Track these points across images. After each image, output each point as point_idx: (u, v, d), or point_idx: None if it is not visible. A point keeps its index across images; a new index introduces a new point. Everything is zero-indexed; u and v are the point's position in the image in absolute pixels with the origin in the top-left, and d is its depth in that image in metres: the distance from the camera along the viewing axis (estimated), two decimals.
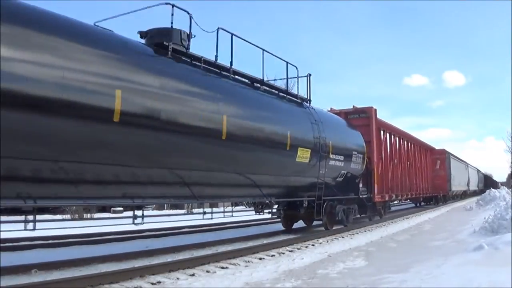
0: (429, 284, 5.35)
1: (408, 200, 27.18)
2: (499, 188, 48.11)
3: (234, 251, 8.53)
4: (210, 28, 8.06)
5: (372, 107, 16.05)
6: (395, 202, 24.71)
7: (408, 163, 22.04)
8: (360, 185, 14.65)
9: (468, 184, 45.88)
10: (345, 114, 15.64)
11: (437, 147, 36.63)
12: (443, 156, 32.71)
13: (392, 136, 19.06)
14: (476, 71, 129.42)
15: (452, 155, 35.64)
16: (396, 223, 16.45)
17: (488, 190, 29.25)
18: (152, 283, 6.10)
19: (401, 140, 21.04)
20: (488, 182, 74.75)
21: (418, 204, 30.48)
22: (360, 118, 15.91)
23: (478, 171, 63.33)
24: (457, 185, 36.96)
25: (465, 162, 45.98)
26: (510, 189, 33.12)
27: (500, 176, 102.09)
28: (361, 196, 14.34)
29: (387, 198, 16.96)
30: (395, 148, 19.68)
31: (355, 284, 5.80)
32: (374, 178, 15.19)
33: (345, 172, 13.04)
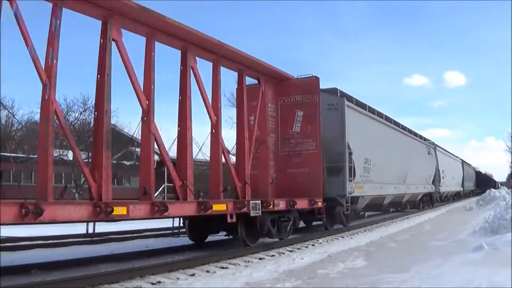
0: (429, 284, 5.35)
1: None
2: (499, 188, 43.84)
3: (234, 251, 8.53)
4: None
5: None
6: None
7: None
8: None
9: (436, 182, 27.03)
10: None
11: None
12: (314, 101, 11.33)
13: None
14: (476, 72, 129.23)
15: (352, 104, 14.09)
16: (396, 223, 16.47)
17: (488, 190, 28.69)
18: (152, 283, 6.10)
19: None
20: (482, 181, 62.96)
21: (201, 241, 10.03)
22: None
23: (464, 163, 45.32)
24: (385, 182, 16.52)
25: (430, 144, 27.46)
26: (510, 189, 32.81)
27: (500, 176, 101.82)
28: None
29: None
30: None
31: (355, 284, 5.79)
32: None
33: None
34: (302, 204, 10.56)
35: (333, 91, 13.32)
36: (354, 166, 13.13)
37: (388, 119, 18.55)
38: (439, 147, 30.60)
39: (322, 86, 11.87)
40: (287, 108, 11.56)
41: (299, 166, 11.30)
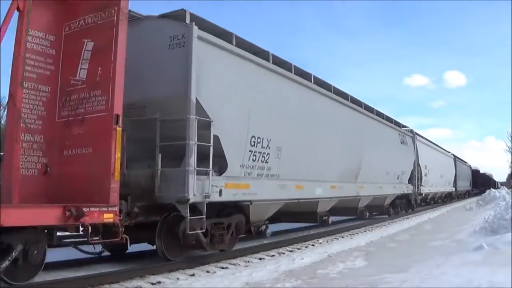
0: (429, 284, 5.36)
1: None
2: (498, 188, 43.11)
3: (234, 251, 8.52)
4: None
5: None
6: None
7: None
8: None
9: (415, 180, 20.32)
10: None
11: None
12: (110, 21, 6.11)
13: None
14: (477, 71, 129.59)
15: (222, 41, 7.40)
16: (396, 223, 16.46)
17: (488, 190, 28.57)
18: (152, 283, 6.11)
19: None
20: (479, 181, 57.07)
21: None
22: None
23: (458, 160, 38.69)
24: (309, 178, 10.02)
25: (407, 131, 20.14)
26: (510, 189, 32.78)
27: (500, 176, 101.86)
28: None
29: None
30: None
31: (355, 284, 5.80)
32: None
33: None
34: (30, 217, 5.13)
35: (177, 16, 7.17)
36: (222, 147, 7.26)
37: (320, 83, 11.03)
38: (421, 136, 23.41)
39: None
40: (74, 40, 6.48)
41: (80, 143, 6.17)
